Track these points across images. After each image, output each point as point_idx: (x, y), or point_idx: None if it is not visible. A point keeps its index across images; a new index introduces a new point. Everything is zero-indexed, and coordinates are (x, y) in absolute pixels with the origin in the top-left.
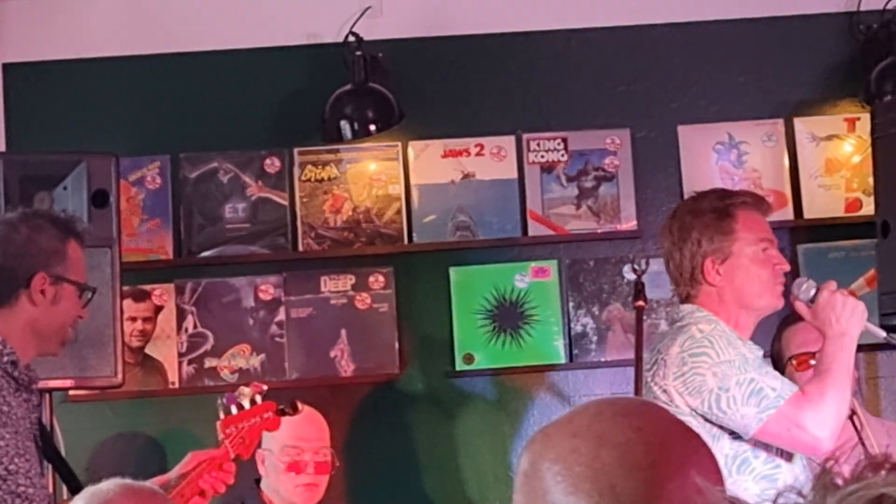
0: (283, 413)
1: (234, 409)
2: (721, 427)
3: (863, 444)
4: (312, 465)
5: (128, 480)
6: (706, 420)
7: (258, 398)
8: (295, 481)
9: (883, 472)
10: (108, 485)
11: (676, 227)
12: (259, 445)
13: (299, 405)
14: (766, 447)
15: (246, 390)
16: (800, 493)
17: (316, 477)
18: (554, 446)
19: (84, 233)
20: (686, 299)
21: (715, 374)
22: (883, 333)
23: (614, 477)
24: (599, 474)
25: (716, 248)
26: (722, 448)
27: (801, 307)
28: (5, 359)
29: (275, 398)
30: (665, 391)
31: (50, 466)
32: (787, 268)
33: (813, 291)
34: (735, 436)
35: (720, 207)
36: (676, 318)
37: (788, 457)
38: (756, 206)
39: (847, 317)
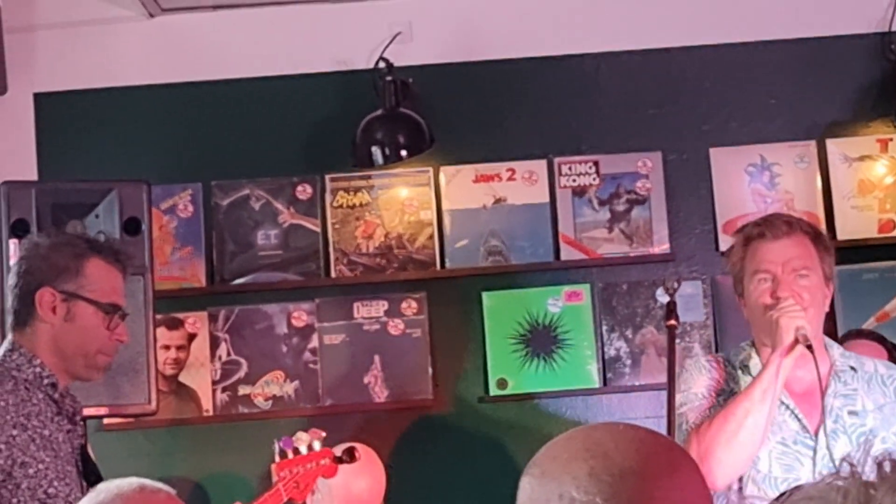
0: (340, 461)
1: (289, 454)
2: None
3: None
4: None
5: (145, 481)
6: None
7: (316, 444)
8: None
9: None
10: (124, 483)
11: None
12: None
13: (357, 453)
14: None
15: (304, 435)
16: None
17: None
18: (553, 444)
19: (118, 253)
20: None
21: None
22: None
23: (607, 446)
24: (593, 444)
25: None
26: None
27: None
28: (45, 381)
29: (309, 426)
30: None
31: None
32: None
33: None
34: None
35: None
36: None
37: None
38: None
39: None
